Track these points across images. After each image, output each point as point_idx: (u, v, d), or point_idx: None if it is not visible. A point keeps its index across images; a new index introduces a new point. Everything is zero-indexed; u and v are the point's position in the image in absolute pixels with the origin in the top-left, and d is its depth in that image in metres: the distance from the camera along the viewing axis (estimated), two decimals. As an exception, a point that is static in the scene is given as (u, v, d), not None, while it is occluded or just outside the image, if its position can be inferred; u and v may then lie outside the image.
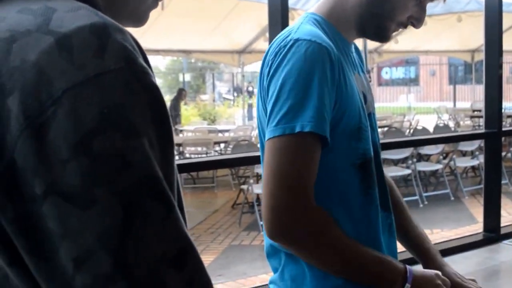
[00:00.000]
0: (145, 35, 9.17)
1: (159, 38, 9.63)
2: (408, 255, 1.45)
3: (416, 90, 28.40)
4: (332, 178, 1.19)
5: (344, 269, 1.18)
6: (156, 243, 0.54)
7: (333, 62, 1.13)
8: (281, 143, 1.09)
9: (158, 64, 31.32)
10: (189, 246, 0.57)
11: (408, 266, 1.18)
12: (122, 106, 0.55)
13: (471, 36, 11.33)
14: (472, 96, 18.59)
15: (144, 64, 0.58)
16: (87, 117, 0.53)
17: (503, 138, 4.92)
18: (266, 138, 1.12)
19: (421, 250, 1.40)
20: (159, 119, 0.58)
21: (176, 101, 12.81)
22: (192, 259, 0.57)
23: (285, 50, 1.13)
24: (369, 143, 1.23)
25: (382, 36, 1.26)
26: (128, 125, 0.55)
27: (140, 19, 0.73)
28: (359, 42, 1.38)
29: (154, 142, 0.57)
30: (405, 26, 1.26)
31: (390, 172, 7.79)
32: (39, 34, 0.56)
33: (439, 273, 1.23)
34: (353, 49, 1.32)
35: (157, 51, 11.41)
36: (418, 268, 1.28)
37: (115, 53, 0.55)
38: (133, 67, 0.56)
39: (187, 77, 27.73)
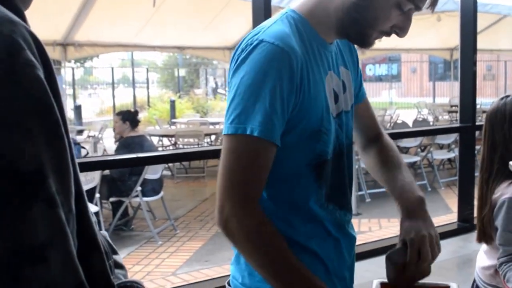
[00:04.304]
0: (141, 32, 9.09)
1: (154, 35, 9.54)
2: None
3: (397, 86, 28.50)
4: (286, 176, 1.17)
5: (269, 276, 1.11)
6: (11, 236, 0.51)
7: (293, 67, 1.09)
8: (233, 142, 1.09)
9: (156, 59, 31.25)
10: (55, 239, 0.53)
11: None
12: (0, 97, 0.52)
13: (450, 35, 11.29)
14: (451, 92, 18.61)
15: (30, 57, 0.55)
16: None
17: (477, 132, 4.88)
18: (223, 132, 1.11)
19: (400, 201, 1.26)
20: (42, 110, 0.55)
21: None
22: (55, 254, 0.53)
23: (249, 49, 1.10)
24: (328, 145, 1.19)
25: (363, 42, 1.19)
26: (4, 115, 0.52)
27: None
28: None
29: (36, 133, 0.54)
30: (388, 34, 1.19)
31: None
32: None
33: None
34: (334, 48, 1.25)
35: (153, 48, 11.29)
36: None
37: None
38: (15, 59, 0.54)
39: (182, 72, 27.61)
